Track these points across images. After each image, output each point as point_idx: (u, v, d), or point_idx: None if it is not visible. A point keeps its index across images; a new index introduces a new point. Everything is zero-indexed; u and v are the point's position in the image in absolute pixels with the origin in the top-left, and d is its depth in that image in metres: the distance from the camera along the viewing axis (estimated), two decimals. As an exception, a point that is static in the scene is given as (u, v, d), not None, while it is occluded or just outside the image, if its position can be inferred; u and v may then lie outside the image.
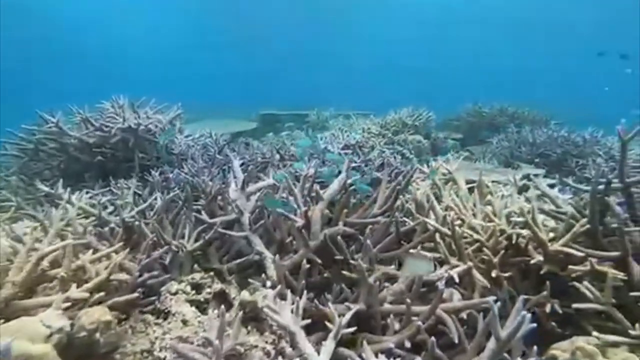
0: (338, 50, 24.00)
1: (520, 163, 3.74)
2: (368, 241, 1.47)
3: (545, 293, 1.43)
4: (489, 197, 2.05)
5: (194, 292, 1.43)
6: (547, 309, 1.42)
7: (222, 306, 1.06)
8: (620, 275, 1.41)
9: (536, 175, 2.87)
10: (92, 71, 22.29)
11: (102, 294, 1.16)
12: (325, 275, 1.63)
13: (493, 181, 2.68)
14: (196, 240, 1.76)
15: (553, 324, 1.44)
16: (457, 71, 23.75)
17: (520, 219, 1.57)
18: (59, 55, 22.95)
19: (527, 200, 1.85)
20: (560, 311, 1.42)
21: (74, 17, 21.17)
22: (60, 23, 21.02)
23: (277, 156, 2.90)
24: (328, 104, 7.63)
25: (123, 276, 1.29)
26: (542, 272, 1.49)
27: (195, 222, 1.88)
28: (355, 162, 2.52)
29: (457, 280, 1.47)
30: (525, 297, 1.50)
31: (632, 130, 1.65)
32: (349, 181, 1.91)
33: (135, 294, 1.26)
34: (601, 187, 1.60)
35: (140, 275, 1.45)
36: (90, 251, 1.35)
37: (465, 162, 3.56)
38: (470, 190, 2.17)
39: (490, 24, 20.38)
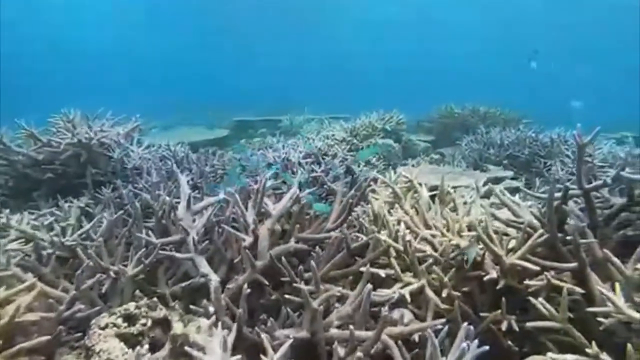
0: (318, 52, 23.98)
1: (488, 165, 3.69)
2: (313, 262, 1.38)
3: (500, 311, 1.35)
4: (451, 205, 1.98)
5: (126, 324, 1.31)
6: (504, 327, 1.35)
7: (139, 347, 0.95)
8: (578, 289, 1.34)
9: (500, 180, 2.81)
10: (91, 71, 22.05)
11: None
12: (273, 297, 1.53)
13: (458, 186, 2.61)
14: (138, 264, 1.64)
15: (510, 342, 1.37)
16: (437, 71, 23.86)
17: (474, 233, 1.50)
18: (59, 54, 22.57)
19: (484, 208, 1.78)
20: (517, 329, 1.34)
21: (74, 17, 20.94)
22: (60, 22, 20.75)
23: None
24: (308, 107, 7.52)
25: (33, 316, 1.17)
26: (498, 287, 1.42)
27: (146, 243, 1.75)
28: (316, 172, 2.43)
29: (408, 299, 1.39)
30: (481, 314, 1.44)
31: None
32: (302, 195, 1.82)
33: (45, 338, 1.13)
34: (559, 194, 1.54)
35: (69, 308, 1.34)
36: (3, 288, 1.22)
37: (431, 166, 3.50)
38: (433, 197, 2.10)
39: (473, 24, 20.62)
